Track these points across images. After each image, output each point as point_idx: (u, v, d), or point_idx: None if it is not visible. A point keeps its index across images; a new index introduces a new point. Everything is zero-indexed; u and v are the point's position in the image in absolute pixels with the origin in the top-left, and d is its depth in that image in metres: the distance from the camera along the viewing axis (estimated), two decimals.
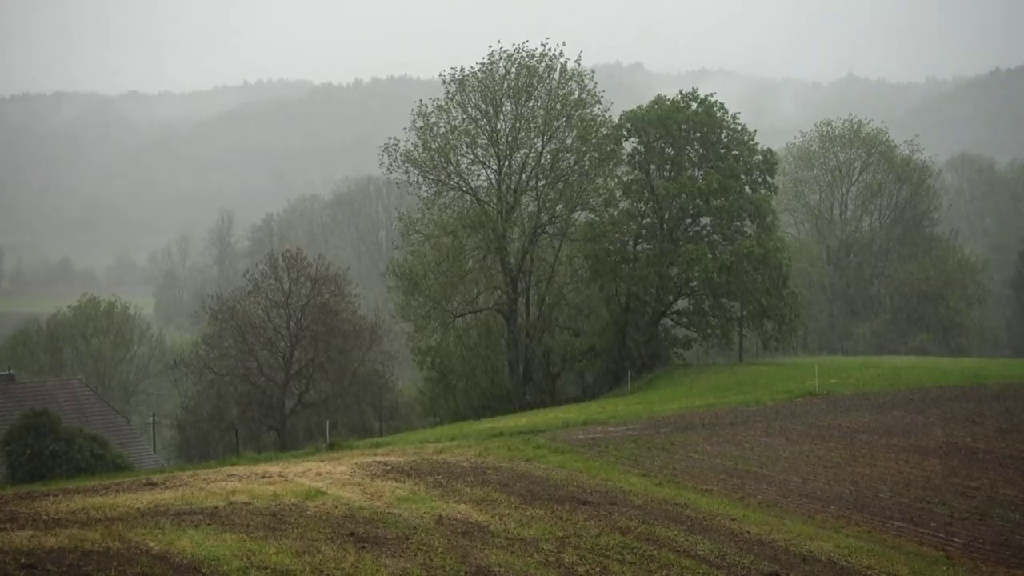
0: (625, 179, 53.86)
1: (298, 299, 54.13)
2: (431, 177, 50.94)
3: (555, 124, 50.14)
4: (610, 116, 52.37)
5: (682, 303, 56.18)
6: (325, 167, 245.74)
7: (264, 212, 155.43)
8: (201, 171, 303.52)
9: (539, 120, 49.81)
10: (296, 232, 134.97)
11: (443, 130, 50.13)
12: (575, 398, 49.73)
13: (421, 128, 49.93)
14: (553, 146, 50.66)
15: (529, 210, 51.40)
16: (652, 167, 53.82)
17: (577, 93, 50.52)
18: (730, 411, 31.67)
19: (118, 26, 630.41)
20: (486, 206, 50.70)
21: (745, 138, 53.65)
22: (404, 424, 52.76)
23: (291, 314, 53.92)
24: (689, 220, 54.05)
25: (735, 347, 56.78)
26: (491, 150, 50.60)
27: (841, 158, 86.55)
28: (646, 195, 53.66)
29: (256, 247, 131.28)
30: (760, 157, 53.88)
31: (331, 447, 28.38)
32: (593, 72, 52.07)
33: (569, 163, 50.91)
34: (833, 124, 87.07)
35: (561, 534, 14.68)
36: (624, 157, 53.49)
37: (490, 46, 49.92)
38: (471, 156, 51.14)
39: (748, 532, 16.68)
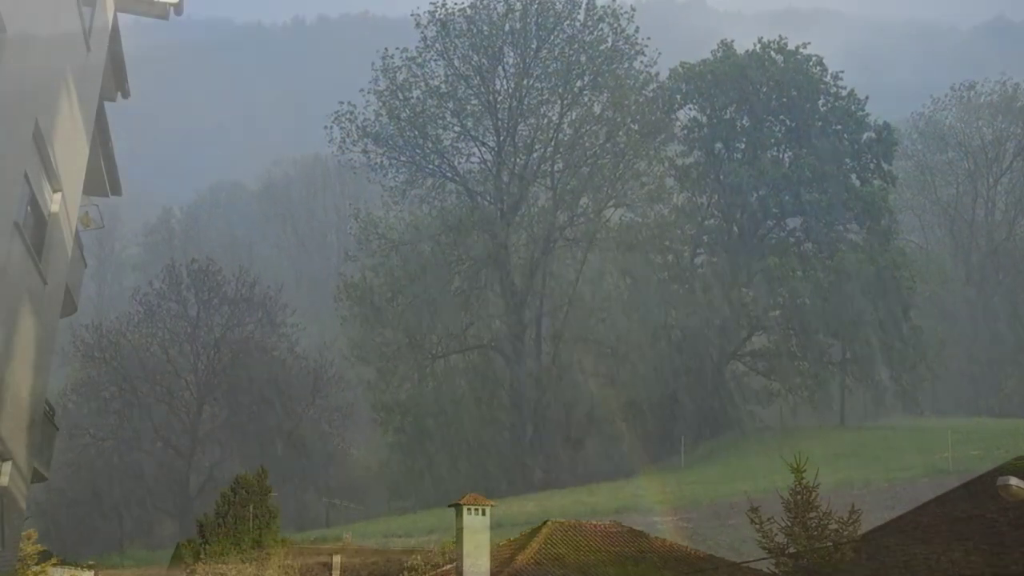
0: (679, 163, 54.01)
1: (210, 330, 54.30)
2: (401, 158, 51.11)
3: (578, 83, 50.32)
4: (657, 73, 52.58)
5: (759, 340, 56.24)
6: (250, 143, 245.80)
7: (161, 205, 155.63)
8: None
9: (555, 77, 49.98)
10: (208, 235, 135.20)
11: (417, 92, 50.36)
12: (606, 473, 49.75)
13: (386, 91, 50.11)
14: (576, 114, 50.82)
15: (540, 205, 51.49)
16: (719, 145, 53.95)
17: (611, 40, 50.75)
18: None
19: None
20: (479, 199, 50.87)
21: (852, 107, 53.81)
22: (360, 509, 52.74)
23: (199, 352, 54.04)
24: (771, 222, 54.19)
25: (835, 404, 56.75)
26: (486, 120, 50.78)
27: (988, 135, 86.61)
28: (710, 185, 53.78)
29: (150, 256, 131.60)
30: (872, 134, 54.04)
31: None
32: (633, 10, 52.22)
33: (598, 139, 51.03)
34: (977, 87, 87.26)
35: None
36: (677, 131, 53.68)
37: None
38: (457, 128, 51.35)
39: None
